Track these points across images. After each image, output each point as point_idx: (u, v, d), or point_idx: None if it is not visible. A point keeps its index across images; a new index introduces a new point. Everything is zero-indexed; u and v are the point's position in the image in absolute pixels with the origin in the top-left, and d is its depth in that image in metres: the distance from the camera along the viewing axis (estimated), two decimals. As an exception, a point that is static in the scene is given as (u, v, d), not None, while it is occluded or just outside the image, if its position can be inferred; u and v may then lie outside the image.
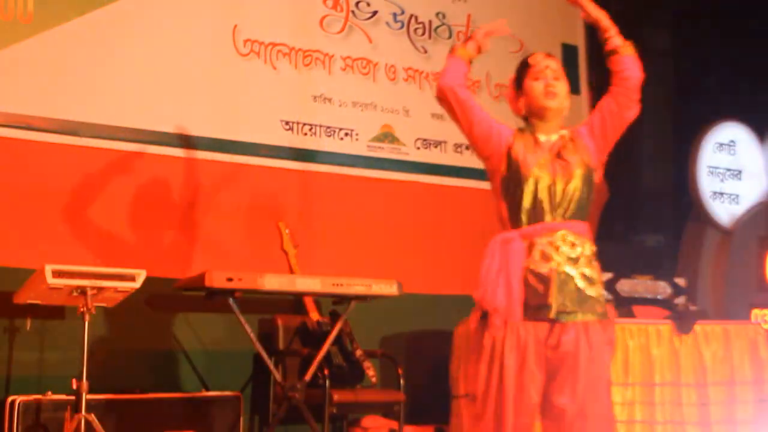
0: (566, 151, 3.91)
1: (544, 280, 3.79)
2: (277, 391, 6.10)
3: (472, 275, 7.60)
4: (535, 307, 3.80)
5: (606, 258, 7.83)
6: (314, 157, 7.00)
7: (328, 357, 6.04)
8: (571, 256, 3.84)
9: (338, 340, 6.15)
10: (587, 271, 3.86)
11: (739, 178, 8.63)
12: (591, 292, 3.84)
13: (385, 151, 7.31)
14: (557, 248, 3.83)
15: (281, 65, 6.94)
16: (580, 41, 8.37)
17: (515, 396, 3.76)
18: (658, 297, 6.65)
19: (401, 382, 6.28)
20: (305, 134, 6.98)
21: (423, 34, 7.59)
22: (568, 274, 3.81)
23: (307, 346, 6.16)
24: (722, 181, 8.51)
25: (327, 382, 5.87)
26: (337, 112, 7.14)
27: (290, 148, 6.91)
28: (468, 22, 7.74)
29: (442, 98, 4.02)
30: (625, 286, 6.55)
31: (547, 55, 4.02)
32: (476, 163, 7.47)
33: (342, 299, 6.12)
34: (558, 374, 3.80)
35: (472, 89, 7.35)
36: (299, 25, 7.06)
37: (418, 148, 7.44)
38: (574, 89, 8.23)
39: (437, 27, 7.67)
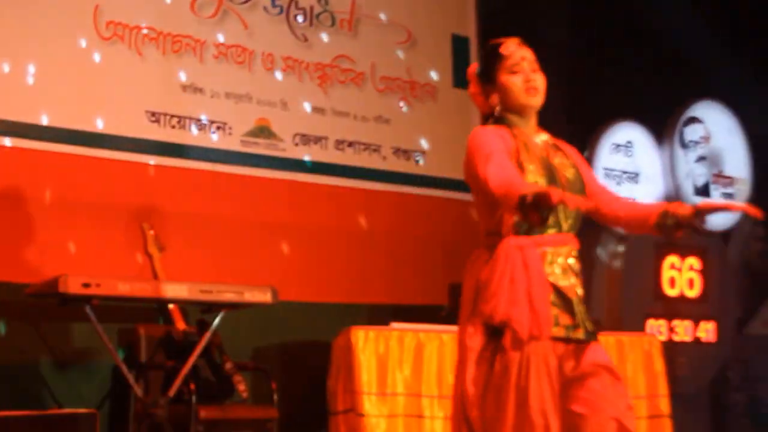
0: (556, 158, 3.73)
1: (565, 295, 3.55)
2: (137, 408, 5.96)
3: (352, 282, 7.41)
4: (561, 326, 3.53)
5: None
6: (183, 151, 6.85)
7: (194, 370, 5.89)
8: (576, 271, 3.63)
9: (206, 352, 6.01)
10: (581, 290, 3.65)
11: (636, 181, 8.72)
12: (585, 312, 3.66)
13: (261, 147, 7.16)
14: (570, 262, 3.61)
15: (147, 51, 6.78)
16: (471, 32, 8.28)
17: (543, 426, 3.41)
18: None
19: (274, 397, 6.16)
20: (173, 127, 6.82)
21: (304, 20, 7.46)
22: (579, 292, 3.62)
23: (171, 359, 5.99)
24: (619, 183, 8.56)
25: (193, 397, 5.74)
26: (209, 104, 7.00)
27: (156, 142, 6.76)
28: (352, 8, 7.64)
29: None
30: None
31: (520, 44, 3.75)
32: (358, 161, 7.44)
33: (211, 307, 6.01)
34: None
35: (356, 82, 7.15)
36: (168, 8, 6.91)
37: (297, 144, 7.32)
38: (463, 83, 8.02)
39: (319, 14, 7.53)
